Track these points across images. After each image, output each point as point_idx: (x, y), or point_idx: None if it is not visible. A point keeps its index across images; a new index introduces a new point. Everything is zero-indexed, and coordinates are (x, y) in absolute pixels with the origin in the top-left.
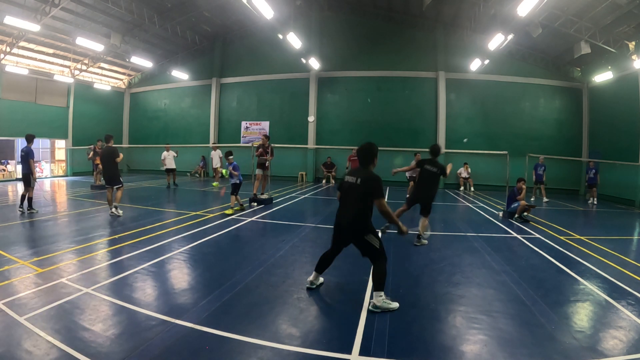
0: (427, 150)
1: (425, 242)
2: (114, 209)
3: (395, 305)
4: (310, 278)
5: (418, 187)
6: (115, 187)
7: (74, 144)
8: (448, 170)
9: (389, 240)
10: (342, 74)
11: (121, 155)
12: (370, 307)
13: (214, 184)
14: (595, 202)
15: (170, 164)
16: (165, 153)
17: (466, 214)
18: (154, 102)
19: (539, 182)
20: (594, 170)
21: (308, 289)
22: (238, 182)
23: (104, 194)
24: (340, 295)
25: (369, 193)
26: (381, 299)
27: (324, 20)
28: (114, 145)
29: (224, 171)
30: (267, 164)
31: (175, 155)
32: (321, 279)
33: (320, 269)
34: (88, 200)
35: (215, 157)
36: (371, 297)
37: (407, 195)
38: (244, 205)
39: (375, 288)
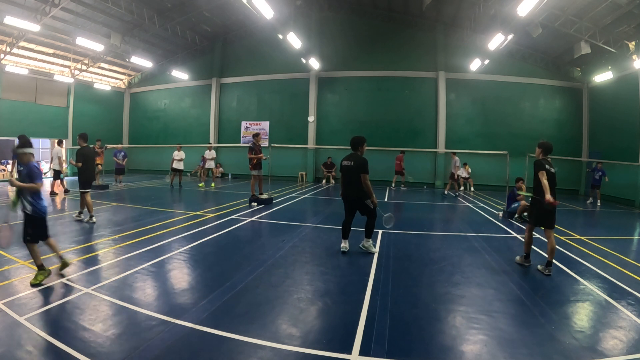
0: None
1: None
2: (81, 216)
3: (375, 250)
4: (343, 245)
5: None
6: (85, 191)
7: (74, 144)
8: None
9: (389, 242)
10: (342, 74)
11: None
12: (360, 246)
13: (200, 184)
14: (598, 204)
15: (178, 164)
16: (176, 153)
17: (466, 214)
18: (154, 102)
19: None
20: (600, 172)
21: (343, 253)
22: (39, 214)
23: (104, 194)
24: (340, 295)
25: (360, 170)
26: (369, 244)
27: (324, 20)
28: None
29: (11, 196)
30: (258, 162)
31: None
32: (347, 244)
33: (346, 235)
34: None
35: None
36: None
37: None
38: (67, 262)
39: (367, 235)
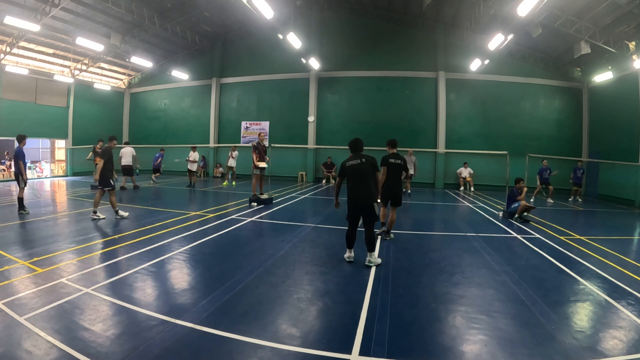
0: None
1: None
2: (119, 212)
3: (379, 260)
4: (348, 255)
5: None
6: (107, 189)
7: (74, 144)
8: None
9: (389, 242)
10: (342, 74)
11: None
12: (366, 263)
13: (224, 183)
14: (579, 200)
15: (192, 165)
16: (192, 153)
17: (466, 214)
18: (154, 102)
19: (546, 184)
20: (581, 170)
21: (349, 262)
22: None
23: (104, 195)
24: (340, 295)
25: (374, 166)
26: (374, 257)
27: (324, 20)
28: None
29: None
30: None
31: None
32: (353, 252)
33: (352, 244)
34: (88, 200)
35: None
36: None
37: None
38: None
39: (370, 249)
